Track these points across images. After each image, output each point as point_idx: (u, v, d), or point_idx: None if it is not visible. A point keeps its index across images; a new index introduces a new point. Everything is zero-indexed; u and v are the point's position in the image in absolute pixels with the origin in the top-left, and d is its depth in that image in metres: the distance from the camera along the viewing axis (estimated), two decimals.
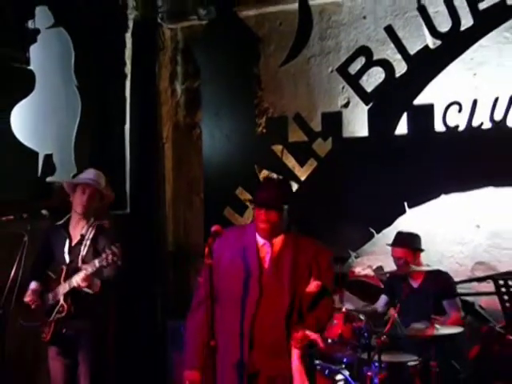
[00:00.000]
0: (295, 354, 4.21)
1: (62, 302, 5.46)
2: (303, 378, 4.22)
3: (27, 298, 5.53)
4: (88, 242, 5.60)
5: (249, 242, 4.36)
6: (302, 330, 4.21)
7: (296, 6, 7.41)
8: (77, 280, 5.34)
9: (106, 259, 5.16)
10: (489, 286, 6.34)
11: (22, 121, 6.81)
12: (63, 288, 5.46)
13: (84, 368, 5.55)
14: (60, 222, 5.75)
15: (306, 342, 4.21)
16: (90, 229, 5.65)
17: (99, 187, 5.70)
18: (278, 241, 4.36)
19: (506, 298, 5.42)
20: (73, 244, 5.64)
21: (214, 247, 4.21)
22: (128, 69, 8.00)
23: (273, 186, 4.43)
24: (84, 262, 5.48)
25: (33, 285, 5.62)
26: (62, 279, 5.49)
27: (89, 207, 5.64)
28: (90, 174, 5.78)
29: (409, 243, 6.28)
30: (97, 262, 5.22)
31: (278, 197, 4.30)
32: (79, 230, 5.66)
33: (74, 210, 5.68)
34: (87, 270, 5.29)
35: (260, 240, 4.35)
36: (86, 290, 5.40)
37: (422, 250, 6.32)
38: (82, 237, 5.62)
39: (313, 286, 4.28)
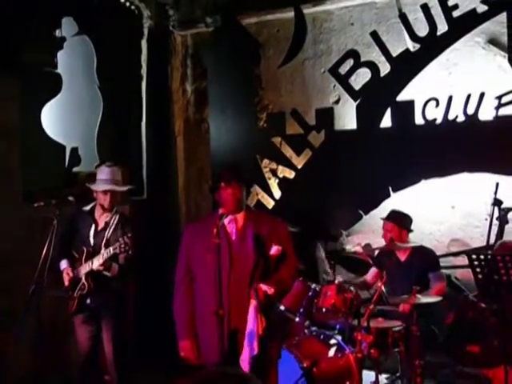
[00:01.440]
0: (252, 304, 4.33)
1: (83, 280, 5.44)
2: (256, 326, 4.30)
3: (66, 278, 5.50)
4: (112, 228, 5.52)
5: (217, 223, 4.44)
6: (257, 283, 4.37)
7: (292, 14, 7.39)
8: (95, 263, 5.35)
9: (119, 247, 5.16)
10: (463, 260, 6.28)
11: (51, 118, 6.87)
12: (84, 268, 5.44)
13: (107, 334, 5.54)
14: (86, 208, 5.66)
15: (261, 294, 4.31)
16: (114, 217, 5.56)
17: (118, 187, 5.60)
18: (241, 218, 4.56)
19: (478, 270, 5.28)
20: (98, 229, 5.57)
21: (189, 233, 4.60)
22: (144, 71, 7.99)
23: (230, 168, 4.63)
24: (106, 246, 5.41)
25: (64, 264, 5.58)
26: (82, 260, 5.47)
27: (112, 204, 5.56)
28: (107, 175, 5.58)
29: (395, 220, 6.26)
30: (111, 249, 5.23)
31: (236, 175, 4.52)
32: (104, 218, 5.59)
33: (100, 205, 5.58)
34: (104, 255, 5.30)
35: (226, 220, 4.50)
36: (105, 272, 5.39)
37: (408, 230, 6.28)
38: (107, 224, 5.55)
39: (274, 249, 4.46)
